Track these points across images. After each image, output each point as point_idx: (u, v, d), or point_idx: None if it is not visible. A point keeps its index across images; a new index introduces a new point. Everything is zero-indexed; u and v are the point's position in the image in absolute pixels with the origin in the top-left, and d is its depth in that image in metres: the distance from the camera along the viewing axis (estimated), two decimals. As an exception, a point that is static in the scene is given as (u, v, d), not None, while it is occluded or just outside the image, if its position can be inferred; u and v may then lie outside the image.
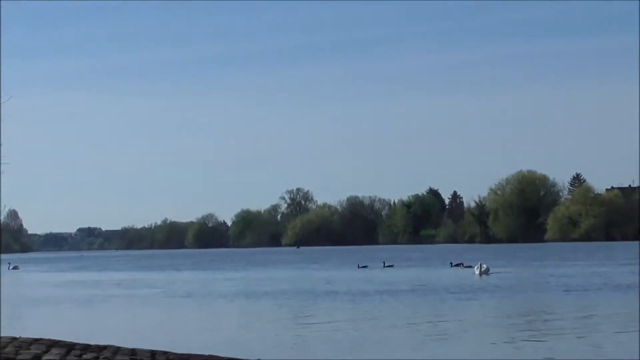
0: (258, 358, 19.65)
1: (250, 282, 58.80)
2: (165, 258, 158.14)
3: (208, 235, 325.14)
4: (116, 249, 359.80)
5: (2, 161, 20.72)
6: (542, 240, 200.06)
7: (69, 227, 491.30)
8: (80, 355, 16.27)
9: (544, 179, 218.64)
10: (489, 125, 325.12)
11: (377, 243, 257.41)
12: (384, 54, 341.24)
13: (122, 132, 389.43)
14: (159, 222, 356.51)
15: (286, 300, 40.83)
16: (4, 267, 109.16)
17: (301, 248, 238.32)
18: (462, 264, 74.40)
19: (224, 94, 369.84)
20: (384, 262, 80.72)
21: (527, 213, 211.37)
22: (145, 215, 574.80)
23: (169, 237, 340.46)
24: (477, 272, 60.72)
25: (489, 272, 60.86)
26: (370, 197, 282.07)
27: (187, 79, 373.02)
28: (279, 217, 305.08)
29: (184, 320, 32.42)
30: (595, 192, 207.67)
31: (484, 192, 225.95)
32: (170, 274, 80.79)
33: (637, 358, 19.88)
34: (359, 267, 77.64)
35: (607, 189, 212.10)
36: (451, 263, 76.24)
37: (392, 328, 27.13)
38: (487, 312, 32.96)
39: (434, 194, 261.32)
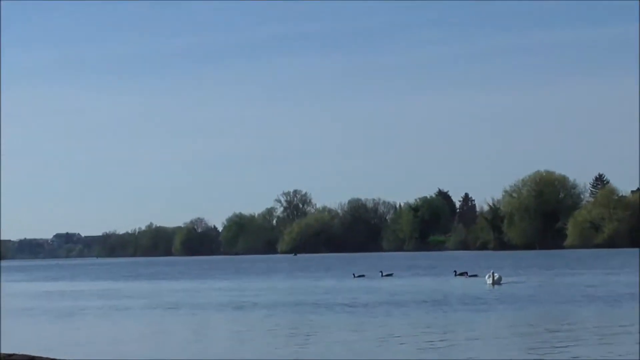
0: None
1: (242, 293, 59.06)
2: (150, 266, 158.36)
3: (197, 242, 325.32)
4: (96, 256, 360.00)
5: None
6: (561, 247, 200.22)
7: (46, 232, 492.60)
8: (57, 371, 16.43)
9: (563, 179, 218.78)
10: (503, 121, 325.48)
11: (381, 250, 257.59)
12: (386, 47, 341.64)
13: (104, 130, 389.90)
14: (143, 227, 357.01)
15: (280, 312, 41.06)
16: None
17: (298, 255, 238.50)
18: (467, 273, 74.90)
19: (215, 89, 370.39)
20: (382, 271, 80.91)
21: (545, 217, 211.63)
22: (128, 220, 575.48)
23: (155, 244, 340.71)
24: (488, 281, 60.97)
25: (501, 281, 61.16)
26: (373, 199, 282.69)
27: (174, 74, 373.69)
28: (274, 221, 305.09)
29: (170, 333, 32.63)
30: (620, 194, 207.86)
31: (498, 194, 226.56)
32: (155, 283, 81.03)
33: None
34: (354, 276, 77.91)
35: (632, 191, 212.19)
36: (455, 272, 76.62)
37: (395, 342, 27.34)
38: (500, 324, 33.17)
39: (443, 196, 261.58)
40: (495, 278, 60.84)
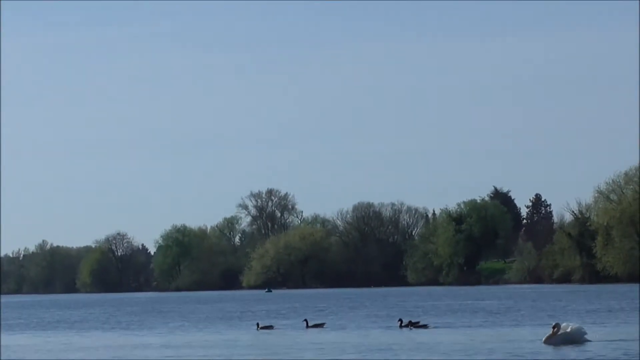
0: None
1: (190, 351, 60.61)
2: (45, 308, 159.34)
3: (115, 271, 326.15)
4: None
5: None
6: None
7: None
8: None
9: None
10: (588, 85, 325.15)
11: (405, 283, 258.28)
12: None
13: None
14: (32, 248, 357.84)
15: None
16: None
17: (274, 292, 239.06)
18: (419, 323, 78.19)
19: (142, 40, 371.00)
20: (306, 320, 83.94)
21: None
22: (7, 238, 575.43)
23: (50, 274, 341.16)
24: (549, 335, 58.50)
25: (584, 336, 58.98)
26: (392, 204, 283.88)
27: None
28: (236, 238, 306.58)
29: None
30: None
31: (588, 197, 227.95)
32: (54, 336, 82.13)
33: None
34: (258, 327, 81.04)
35: None
36: (400, 321, 79.51)
37: None
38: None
39: (501, 199, 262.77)
40: (568, 330, 57.98)
